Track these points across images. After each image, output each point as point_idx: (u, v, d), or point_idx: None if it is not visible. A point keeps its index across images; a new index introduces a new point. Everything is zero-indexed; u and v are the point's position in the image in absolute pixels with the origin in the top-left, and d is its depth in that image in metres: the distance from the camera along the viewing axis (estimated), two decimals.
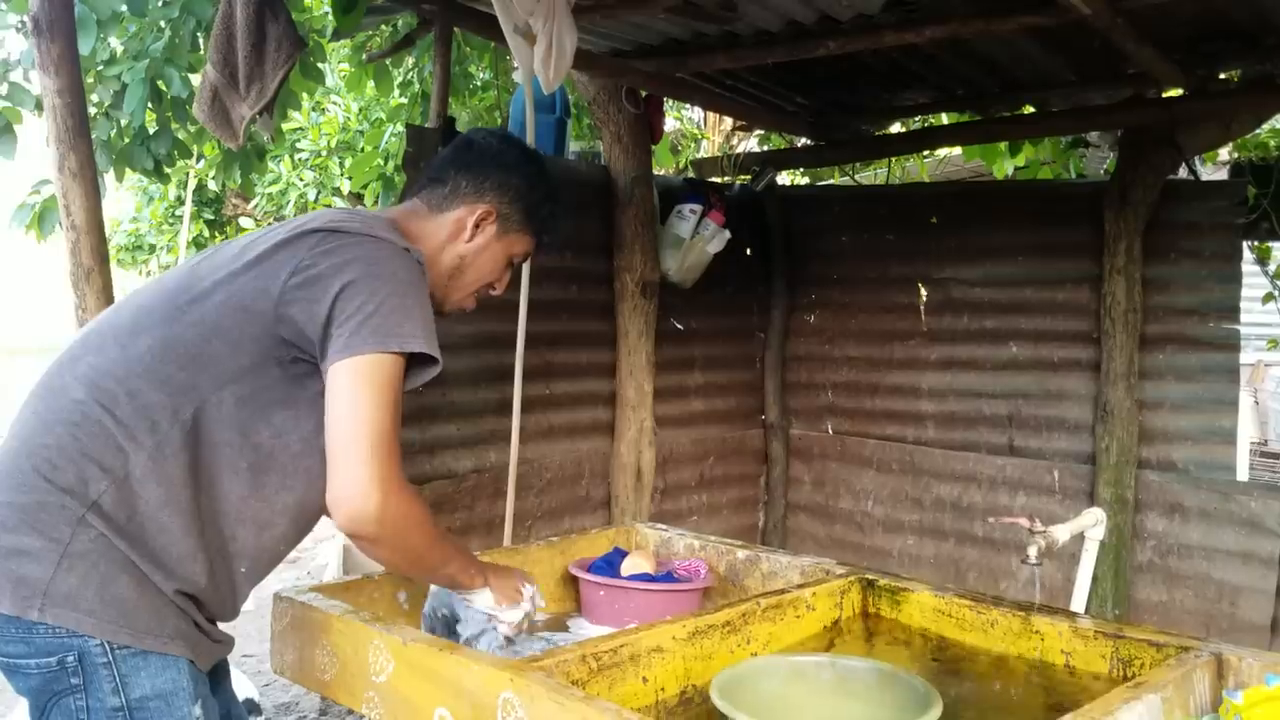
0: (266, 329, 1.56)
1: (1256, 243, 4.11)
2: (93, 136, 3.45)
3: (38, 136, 2.56)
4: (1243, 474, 5.14)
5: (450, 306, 1.86)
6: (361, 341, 1.52)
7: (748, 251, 4.72)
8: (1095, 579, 3.80)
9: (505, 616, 1.87)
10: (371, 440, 1.52)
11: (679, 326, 4.44)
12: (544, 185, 1.88)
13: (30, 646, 1.48)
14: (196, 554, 1.55)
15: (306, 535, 1.76)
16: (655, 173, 4.26)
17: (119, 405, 1.52)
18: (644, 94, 3.94)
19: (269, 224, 10.16)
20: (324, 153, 8.90)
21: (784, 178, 5.67)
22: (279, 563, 1.74)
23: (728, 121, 5.99)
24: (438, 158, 1.90)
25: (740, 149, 5.21)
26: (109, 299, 2.35)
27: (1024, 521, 1.85)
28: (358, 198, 7.38)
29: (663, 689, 1.81)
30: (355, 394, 1.52)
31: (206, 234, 10.93)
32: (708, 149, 7.21)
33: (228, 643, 1.70)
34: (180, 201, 10.42)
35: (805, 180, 6.22)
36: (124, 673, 1.50)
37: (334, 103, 8.58)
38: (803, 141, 4.95)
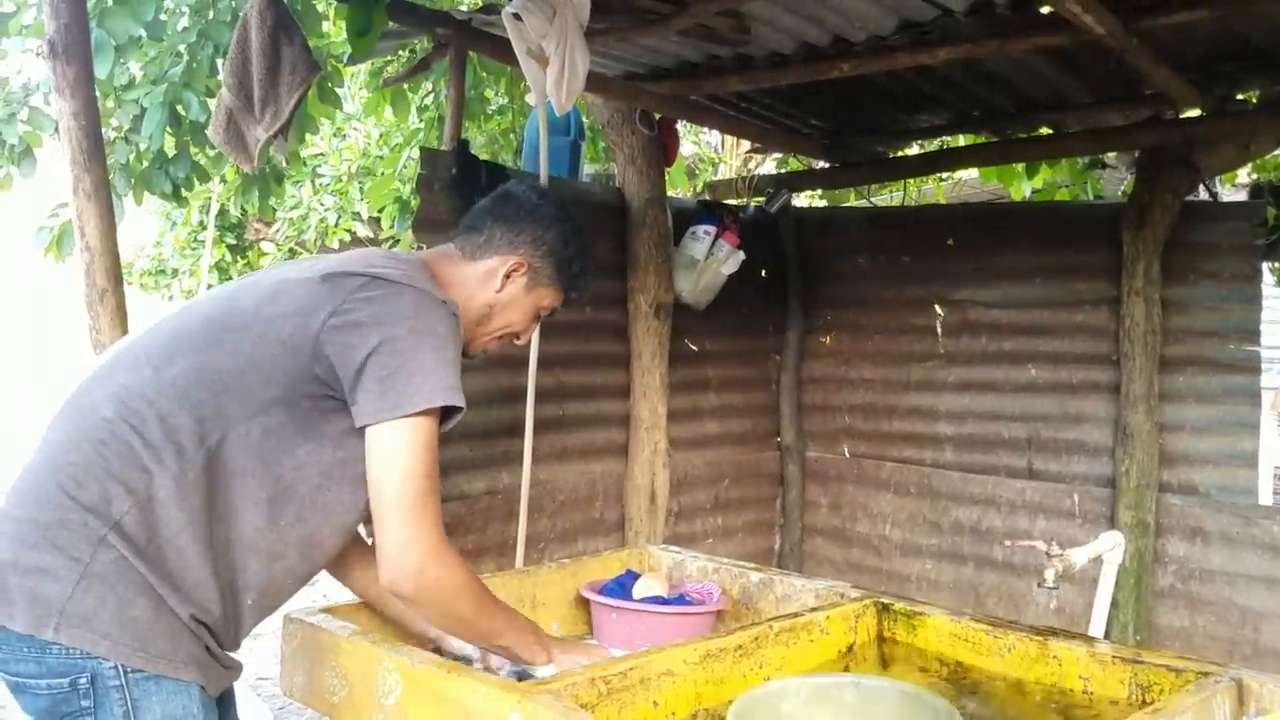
0: (301, 365, 1.59)
1: (1277, 264, 4.07)
2: (111, 160, 3.50)
3: (60, 160, 2.58)
4: (1267, 498, 5.08)
5: (475, 349, 1.90)
6: (408, 402, 1.56)
7: (762, 273, 4.71)
8: (1116, 604, 3.76)
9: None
10: (415, 501, 1.58)
11: (693, 348, 4.43)
12: (577, 242, 1.92)
13: (42, 666, 1.48)
14: (210, 580, 1.56)
15: (316, 573, 1.77)
16: (669, 195, 4.26)
17: (148, 426, 1.53)
18: (657, 116, 3.95)
19: (290, 248, 10.26)
20: (344, 178, 8.96)
21: (801, 199, 5.68)
22: (286, 598, 1.75)
23: (744, 145, 5.99)
24: (477, 206, 1.95)
25: (756, 171, 5.21)
26: (123, 320, 2.36)
27: (1040, 545, 1.83)
28: (375, 221, 7.43)
29: (673, 713, 1.79)
30: (401, 455, 1.57)
31: (229, 258, 11.00)
32: (725, 173, 7.23)
33: (236, 669, 1.70)
34: (203, 226, 10.50)
35: (822, 203, 6.22)
36: (135, 697, 1.50)
37: (354, 128, 8.65)
38: (819, 164, 4.94)
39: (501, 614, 1.81)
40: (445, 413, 1.64)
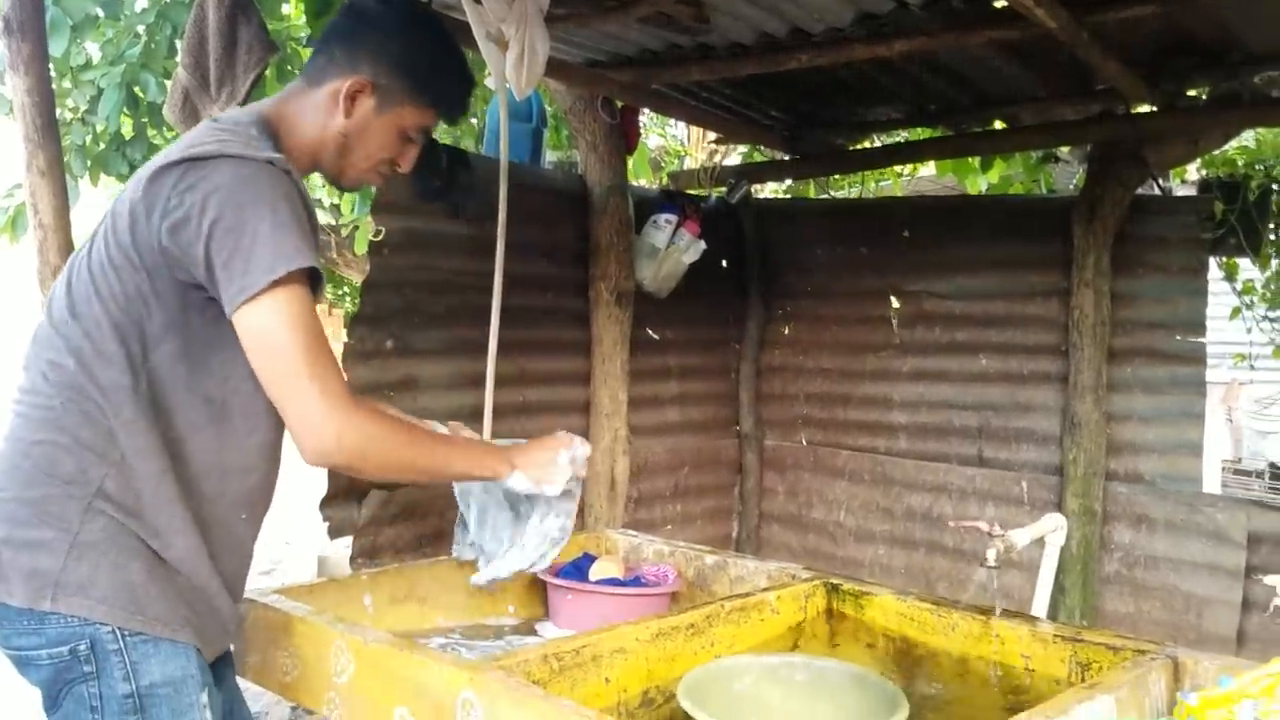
0: (166, 280, 1.52)
1: (1224, 258, 4.16)
2: (67, 141, 3.47)
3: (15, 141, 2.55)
4: (1212, 487, 5.19)
5: (348, 182, 1.79)
6: (253, 280, 1.45)
7: (723, 263, 4.74)
8: (1063, 590, 3.84)
9: (548, 492, 1.93)
10: (306, 373, 1.49)
11: (654, 336, 4.45)
12: (429, 51, 1.74)
13: (42, 637, 1.50)
14: (195, 521, 1.57)
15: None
16: (632, 184, 4.28)
17: (87, 393, 1.52)
18: (619, 104, 3.96)
19: None
20: None
21: (767, 191, 5.72)
22: (271, 501, 1.74)
23: (710, 139, 6.02)
24: (325, 27, 1.76)
25: (721, 164, 5.23)
26: None
27: (983, 526, 1.87)
28: (335, 208, 7.37)
29: (625, 690, 1.82)
30: (272, 337, 1.48)
31: None
32: (691, 165, 7.26)
33: (232, 631, 1.71)
34: None
35: (785, 195, 6.27)
36: (134, 660, 1.53)
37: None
38: (782, 158, 4.98)
39: (441, 445, 1.77)
40: (309, 281, 1.53)
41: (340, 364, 3.18)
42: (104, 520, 1.51)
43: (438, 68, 1.75)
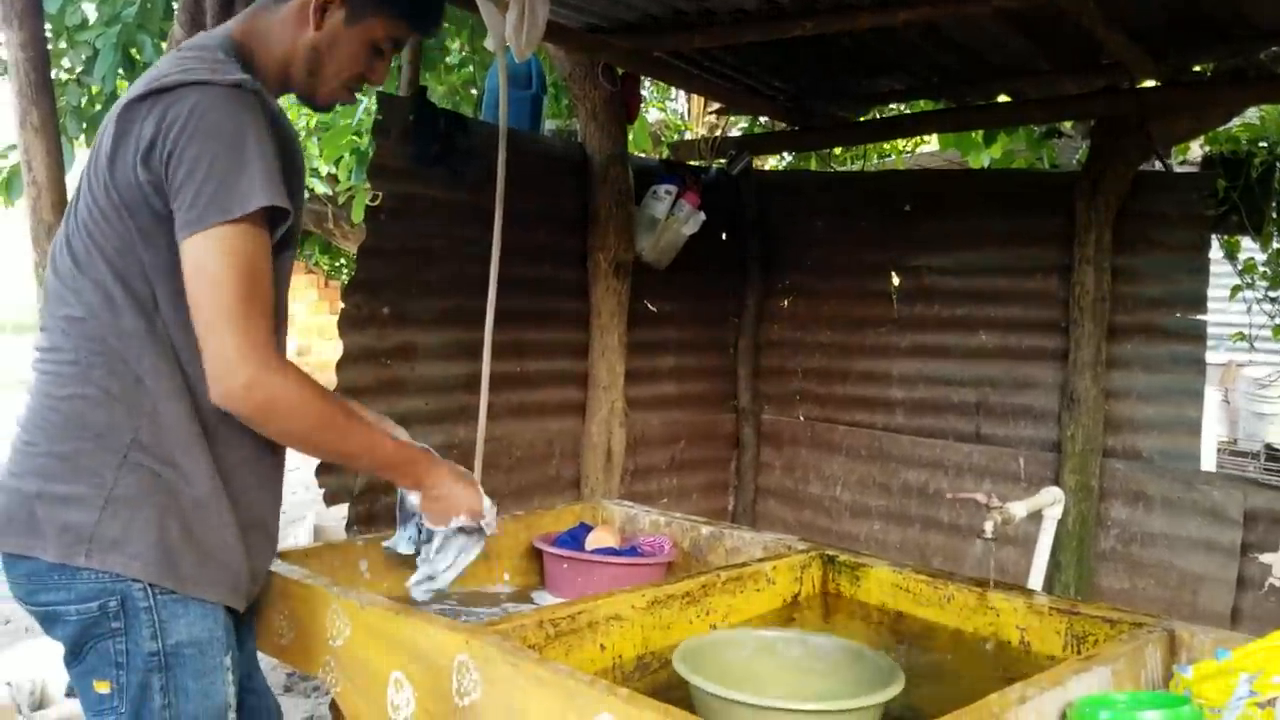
0: (149, 217, 1.48)
1: (1225, 236, 4.14)
2: (63, 102, 3.42)
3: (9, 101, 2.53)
4: (1209, 465, 5.18)
5: (322, 100, 1.74)
6: (201, 214, 1.42)
7: (723, 235, 4.72)
8: (1059, 566, 3.84)
9: (427, 522, 1.86)
10: (233, 312, 1.44)
11: (652, 308, 4.43)
12: None
13: (72, 593, 1.50)
14: (218, 467, 1.56)
15: None
16: (632, 154, 4.25)
17: (108, 343, 1.51)
18: (620, 72, 3.93)
19: None
20: (303, 133, 8.82)
21: (768, 164, 5.68)
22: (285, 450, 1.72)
23: (712, 108, 5.98)
24: None
25: (721, 135, 5.20)
26: None
27: (980, 497, 1.86)
28: (334, 178, 7.32)
29: (620, 656, 1.81)
30: (209, 270, 1.43)
31: None
32: (691, 139, 7.21)
33: (249, 590, 1.68)
34: None
35: (784, 166, 6.23)
36: (164, 618, 1.53)
37: None
38: (781, 127, 4.94)
39: (357, 434, 1.66)
40: (270, 215, 1.49)
41: (336, 329, 3.17)
42: (139, 473, 1.50)
43: None
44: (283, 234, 1.56)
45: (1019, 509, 1.93)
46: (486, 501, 1.88)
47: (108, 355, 1.51)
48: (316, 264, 11.63)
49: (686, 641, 1.68)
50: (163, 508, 1.52)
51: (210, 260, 1.43)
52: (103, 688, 1.53)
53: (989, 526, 1.85)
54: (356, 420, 1.67)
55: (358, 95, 1.78)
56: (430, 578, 1.92)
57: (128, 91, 1.53)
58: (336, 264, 11.81)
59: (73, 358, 1.52)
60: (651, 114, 7.13)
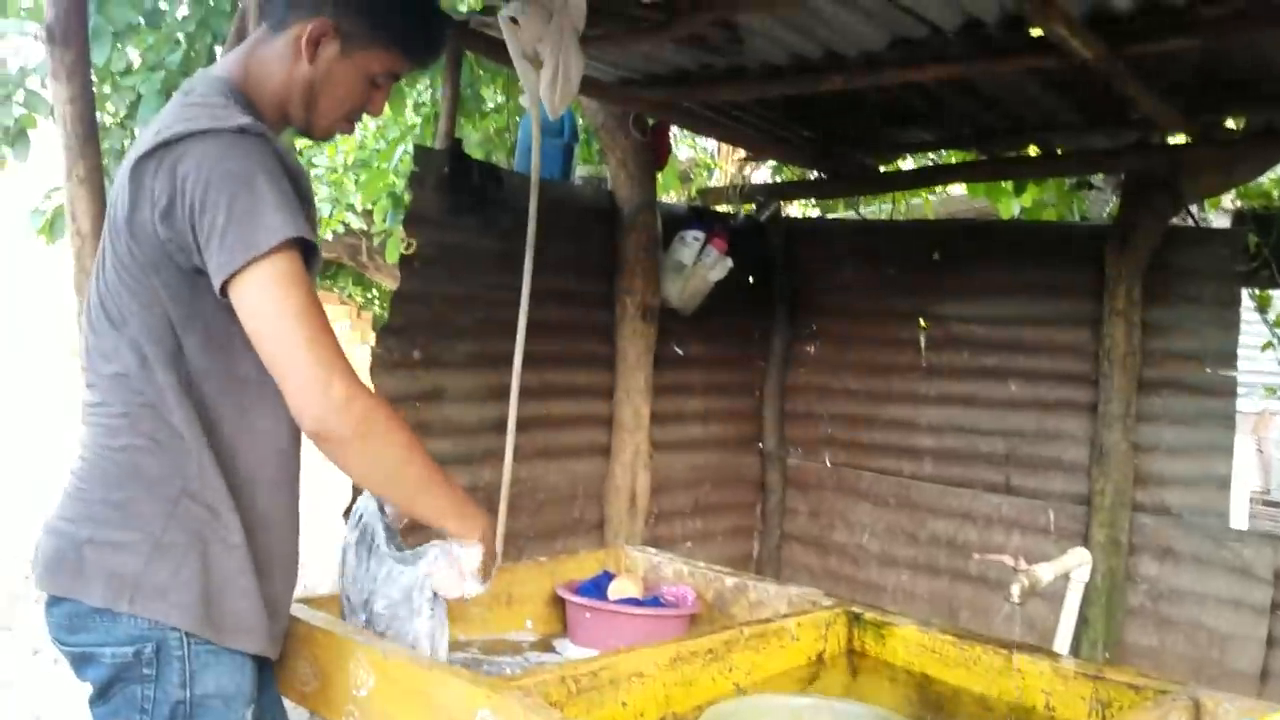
0: (172, 271, 1.49)
1: (1257, 290, 4.12)
2: (107, 146, 3.50)
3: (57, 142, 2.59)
4: (1243, 522, 5.12)
5: (319, 133, 1.72)
6: (234, 258, 1.41)
7: (750, 280, 4.74)
8: (1087, 621, 3.80)
9: (436, 584, 1.74)
10: (301, 337, 1.43)
11: (679, 352, 4.45)
12: None
13: (110, 636, 1.52)
14: (244, 519, 1.57)
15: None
16: (660, 199, 4.29)
17: (148, 398, 1.53)
18: (650, 121, 3.98)
19: None
20: (340, 169, 8.96)
21: (794, 208, 5.71)
22: (299, 499, 1.72)
23: (740, 151, 6.03)
24: None
25: (751, 179, 5.24)
26: None
27: (1008, 560, 1.86)
28: (369, 214, 7.43)
29: (642, 714, 1.81)
30: (261, 306, 1.43)
31: None
32: (720, 178, 7.26)
33: (276, 639, 1.70)
34: None
35: (813, 212, 6.26)
36: (195, 668, 1.54)
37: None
38: (812, 175, 4.97)
39: (437, 469, 1.62)
40: (301, 250, 1.48)
41: (367, 373, 3.21)
42: (187, 522, 1.53)
43: (403, 10, 1.66)
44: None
45: (1046, 572, 1.92)
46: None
47: (151, 409, 1.54)
48: (350, 295, 11.77)
49: (713, 708, 1.68)
50: (206, 557, 1.54)
51: (259, 298, 1.43)
52: None
53: (1016, 590, 1.85)
54: (433, 461, 1.64)
55: (361, 121, 1.78)
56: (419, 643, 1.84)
57: (135, 147, 1.52)
58: (369, 295, 11.88)
59: (122, 410, 1.55)
60: (681, 151, 7.19)
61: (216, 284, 1.44)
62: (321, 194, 9.30)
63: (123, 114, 4.05)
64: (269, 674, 1.84)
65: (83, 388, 1.62)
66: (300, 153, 7.73)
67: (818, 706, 1.73)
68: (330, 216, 9.27)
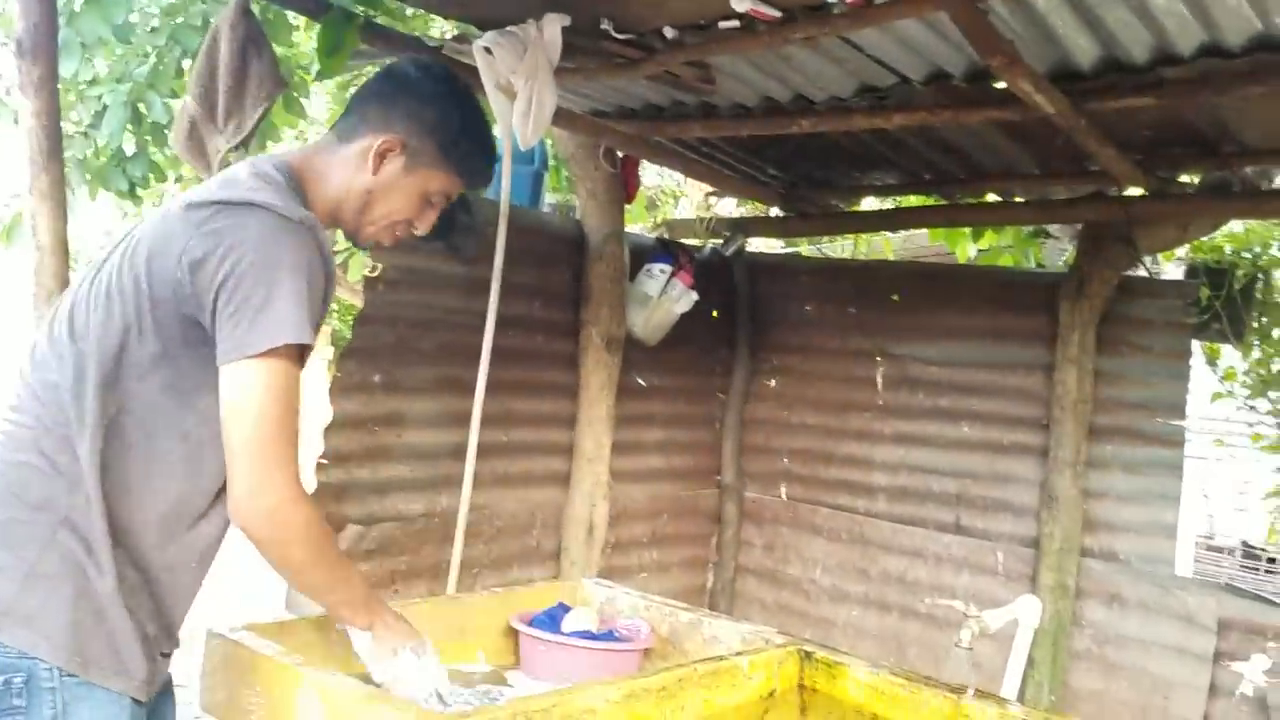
0: (172, 313, 1.52)
1: (1207, 343, 4.21)
2: (69, 155, 3.46)
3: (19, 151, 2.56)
4: (1188, 567, 5.20)
5: (364, 239, 1.80)
6: (253, 340, 1.47)
7: (713, 314, 4.78)
8: (1033, 663, 3.84)
9: (376, 671, 1.80)
10: (267, 445, 1.50)
11: (641, 383, 4.47)
12: (460, 118, 1.76)
13: None
14: (148, 565, 1.57)
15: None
16: (627, 230, 4.32)
17: (68, 418, 1.52)
18: (621, 154, 4.00)
19: None
20: None
21: (758, 244, 5.75)
22: (215, 558, 1.73)
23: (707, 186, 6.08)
24: (361, 86, 1.80)
25: (717, 210, 5.28)
26: None
27: (959, 605, 1.88)
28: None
29: None
30: (250, 396, 1.49)
31: None
32: (686, 207, 7.31)
33: (159, 682, 1.68)
34: None
35: (777, 247, 6.32)
36: (67, 700, 1.50)
37: (318, 134, 8.59)
38: (775, 210, 5.03)
39: (340, 570, 1.72)
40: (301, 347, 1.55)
41: (326, 395, 3.19)
42: (62, 552, 1.50)
43: (468, 138, 1.77)
44: None
45: (995, 620, 1.95)
46: (441, 672, 1.84)
47: (65, 429, 1.52)
48: None
49: None
50: (79, 589, 1.51)
51: (253, 390, 1.49)
52: None
53: (965, 636, 1.87)
54: (349, 569, 1.75)
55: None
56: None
57: (194, 193, 1.57)
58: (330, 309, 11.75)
59: (35, 423, 1.54)
60: (648, 178, 7.23)
61: (224, 354, 1.49)
62: None
63: (86, 123, 4.01)
64: (169, 698, 1.81)
65: (7, 393, 1.60)
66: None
67: None
68: None
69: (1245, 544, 9.04)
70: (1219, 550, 9.18)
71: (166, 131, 3.93)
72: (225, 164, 2.76)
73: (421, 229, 1.81)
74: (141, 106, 3.88)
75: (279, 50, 3.10)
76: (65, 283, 2.30)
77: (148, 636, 1.60)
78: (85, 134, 4.04)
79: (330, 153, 1.72)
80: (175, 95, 3.92)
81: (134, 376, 1.54)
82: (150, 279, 1.52)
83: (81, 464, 1.51)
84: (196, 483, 1.60)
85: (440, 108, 1.74)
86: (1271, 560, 8.07)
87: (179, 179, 5.65)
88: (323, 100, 6.19)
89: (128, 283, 1.54)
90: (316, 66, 3.61)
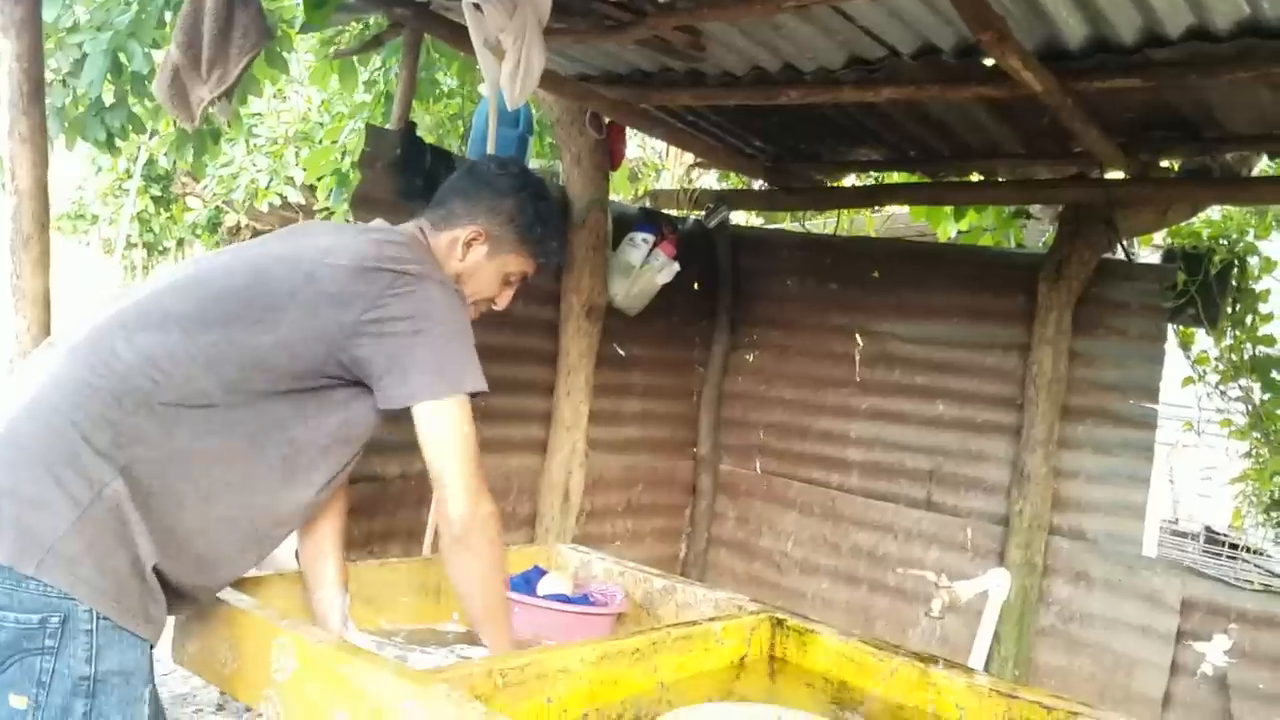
0: (328, 352, 1.72)
1: (1181, 327, 4.25)
2: (47, 103, 3.41)
3: None
4: (1151, 550, 5.26)
5: None
6: (447, 384, 1.76)
7: (695, 286, 4.77)
8: (999, 639, 3.89)
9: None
10: (468, 465, 1.80)
11: (621, 352, 4.47)
12: (533, 209, 2.01)
13: (13, 599, 1.50)
14: (197, 540, 1.67)
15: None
16: (611, 198, 4.30)
17: (172, 386, 1.62)
18: (607, 120, 3.98)
19: (217, 206, 9.98)
20: (280, 140, 8.81)
21: (739, 216, 5.75)
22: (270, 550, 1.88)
23: (689, 155, 6.06)
24: (445, 183, 2.07)
25: (699, 184, 5.27)
26: (46, 266, 2.32)
27: (930, 575, 1.90)
28: (310, 189, 7.31)
29: (566, 710, 1.82)
30: (448, 431, 1.77)
31: (152, 210, 10.76)
32: (668, 180, 7.27)
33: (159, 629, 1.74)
34: (128, 175, 10.25)
35: (759, 222, 6.32)
36: (101, 644, 1.55)
37: (296, 91, 8.51)
38: (759, 184, 5.02)
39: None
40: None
41: None
42: (113, 503, 1.55)
43: (543, 225, 2.03)
44: None
45: (966, 590, 1.97)
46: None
47: (162, 394, 1.62)
48: None
49: (665, 716, 1.70)
50: (124, 540, 1.57)
51: (450, 426, 1.78)
52: (19, 702, 1.53)
53: (936, 606, 1.89)
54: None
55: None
56: None
57: (360, 256, 1.76)
58: None
59: (121, 385, 1.61)
60: (630, 150, 7.19)
61: (417, 395, 1.75)
62: (260, 164, 9.16)
63: (65, 71, 3.94)
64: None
65: (96, 336, 1.65)
66: (241, 120, 7.60)
67: (765, 715, 1.77)
68: (268, 187, 9.13)
69: (1208, 529, 9.15)
70: (1182, 535, 9.29)
71: (147, 82, 3.87)
72: (206, 114, 2.73)
73: (500, 305, 2.07)
74: (122, 56, 3.82)
75: (264, 2, 3.05)
76: (44, 228, 2.28)
77: (180, 593, 1.70)
78: (64, 82, 3.97)
79: (432, 238, 1.98)
80: (157, 46, 3.86)
81: (267, 386, 1.70)
82: (320, 321, 1.71)
83: (171, 438, 1.61)
84: (291, 481, 1.77)
85: (517, 200, 2.00)
86: (1234, 546, 8.17)
87: (154, 134, 5.58)
88: (302, 54, 6.11)
89: (290, 312, 1.70)
90: (301, 20, 3.57)
